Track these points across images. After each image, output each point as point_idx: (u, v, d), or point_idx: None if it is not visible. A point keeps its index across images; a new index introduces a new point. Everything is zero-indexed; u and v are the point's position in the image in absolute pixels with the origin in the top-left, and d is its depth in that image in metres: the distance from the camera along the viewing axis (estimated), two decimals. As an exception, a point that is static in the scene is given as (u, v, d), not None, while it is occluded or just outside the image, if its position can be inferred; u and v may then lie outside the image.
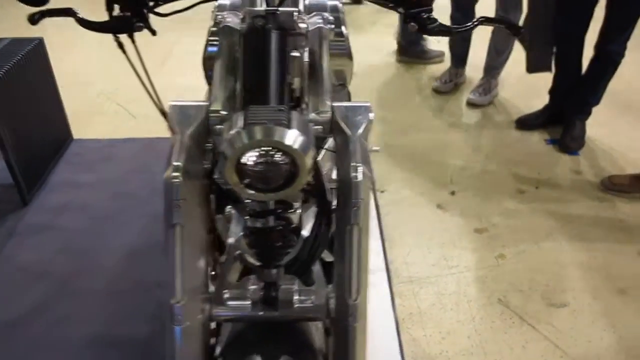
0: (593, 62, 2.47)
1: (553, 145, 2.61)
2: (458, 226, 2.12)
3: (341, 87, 1.10)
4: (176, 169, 0.72)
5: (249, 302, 0.83)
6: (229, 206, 0.88)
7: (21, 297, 1.80)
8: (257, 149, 0.66)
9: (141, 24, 0.82)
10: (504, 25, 0.94)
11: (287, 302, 0.83)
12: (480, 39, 2.87)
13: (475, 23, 0.90)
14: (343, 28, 1.03)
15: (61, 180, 2.36)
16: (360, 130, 0.78)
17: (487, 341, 1.67)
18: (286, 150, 0.66)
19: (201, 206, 0.80)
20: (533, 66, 2.51)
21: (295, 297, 0.83)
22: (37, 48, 2.26)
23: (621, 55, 2.37)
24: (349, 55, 1.05)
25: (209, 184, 0.83)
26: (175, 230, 0.72)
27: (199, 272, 0.80)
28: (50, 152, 2.43)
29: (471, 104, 2.92)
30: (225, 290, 0.84)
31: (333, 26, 0.93)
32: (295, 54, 0.80)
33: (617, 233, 2.09)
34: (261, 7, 0.76)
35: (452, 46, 3.04)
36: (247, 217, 0.81)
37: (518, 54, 3.21)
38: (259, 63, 0.72)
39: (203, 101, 0.80)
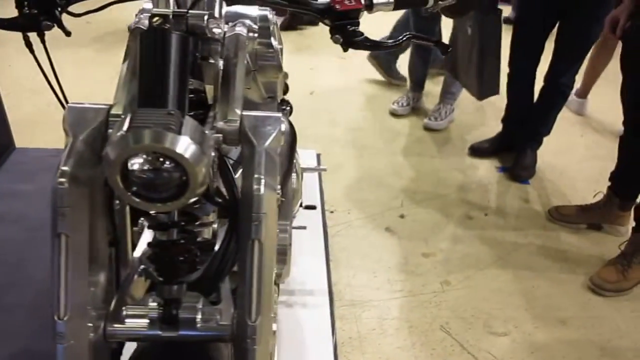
0: (543, 93, 2.52)
1: (504, 172, 2.63)
2: (405, 250, 2.10)
3: (271, 100, 1.07)
4: (62, 174, 0.67)
5: (147, 321, 0.78)
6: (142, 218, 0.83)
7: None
8: (142, 155, 0.62)
9: (49, 23, 0.78)
10: (432, 44, 0.92)
11: (188, 322, 0.78)
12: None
13: (403, 39, 0.89)
14: (272, 39, 1.00)
15: (0, 191, 2.25)
16: (268, 142, 0.75)
17: (425, 369, 1.64)
18: (173, 157, 0.62)
19: (98, 216, 0.75)
20: (483, 93, 2.54)
21: (199, 317, 0.78)
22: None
23: (570, 87, 2.44)
24: (279, 67, 1.02)
25: (110, 194, 0.78)
26: (60, 240, 0.68)
27: (90, 287, 0.75)
28: (-11, 160, 2.33)
29: (427, 129, 2.93)
30: (124, 307, 0.79)
31: (256, 35, 0.90)
32: (211, 60, 0.77)
33: (562, 263, 2.11)
34: (168, 8, 0.72)
35: (411, 70, 3.06)
36: (150, 230, 0.76)
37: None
38: (155, 65, 0.68)
39: (104, 104, 0.76)
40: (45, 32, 0.80)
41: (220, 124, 0.76)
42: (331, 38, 0.89)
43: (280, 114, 0.78)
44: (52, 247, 0.68)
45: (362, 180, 2.50)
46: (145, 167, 0.62)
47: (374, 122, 3.03)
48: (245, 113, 0.77)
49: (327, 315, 1.77)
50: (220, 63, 0.80)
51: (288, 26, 4.20)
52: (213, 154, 0.70)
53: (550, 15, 2.30)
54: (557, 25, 2.33)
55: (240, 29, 0.86)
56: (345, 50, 0.89)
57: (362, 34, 0.88)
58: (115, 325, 0.78)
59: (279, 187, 0.76)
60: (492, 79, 2.36)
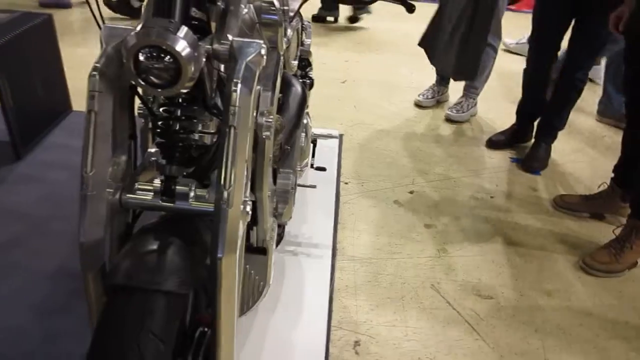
0: (557, 88, 2.63)
1: (516, 163, 2.76)
2: (409, 220, 2.27)
3: (272, 49, 1.27)
4: (94, 68, 0.90)
5: (151, 193, 1.00)
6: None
7: (1, 233, 1.98)
8: (148, 48, 0.84)
9: None
10: (399, 3, 1.11)
11: (182, 195, 1.00)
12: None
13: None
14: (274, 0, 1.21)
15: (55, 142, 2.57)
16: (249, 58, 0.95)
17: (411, 318, 1.80)
18: (169, 51, 0.83)
19: (121, 108, 0.98)
20: (460, 74, 2.65)
21: (191, 193, 1.00)
22: (45, 23, 2.49)
23: (584, 82, 2.54)
24: (278, 22, 1.22)
25: (131, 96, 1.01)
26: (90, 115, 0.91)
27: (113, 165, 0.98)
28: (49, 118, 2.65)
29: (448, 120, 3.09)
30: (136, 183, 1.02)
31: None
32: (218, 3, 0.99)
33: (558, 244, 2.22)
34: None
35: (437, 64, 3.22)
36: (159, 121, 0.99)
37: (501, 77, 3.40)
38: None
39: (131, 26, 0.98)
40: None
41: (215, 45, 0.98)
42: None
43: (261, 41, 0.99)
44: (85, 121, 0.91)
45: (378, 160, 2.68)
46: (150, 58, 0.85)
47: (398, 110, 3.21)
48: (235, 39, 0.99)
49: (328, 265, 1.96)
50: (222, 4, 1.02)
51: (317, 19, 4.50)
52: (204, 59, 0.91)
53: (567, 12, 2.42)
54: (573, 21, 2.45)
55: None
56: (326, 2, 1.08)
57: None
58: (128, 195, 1.00)
59: (254, 86, 0.94)
60: (471, 62, 2.45)
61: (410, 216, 2.30)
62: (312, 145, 2.20)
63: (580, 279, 2.05)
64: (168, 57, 0.84)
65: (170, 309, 0.89)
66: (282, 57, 1.35)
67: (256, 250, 1.46)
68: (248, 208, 1.00)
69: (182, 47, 0.84)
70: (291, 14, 1.78)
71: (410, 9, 1.13)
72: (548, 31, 2.53)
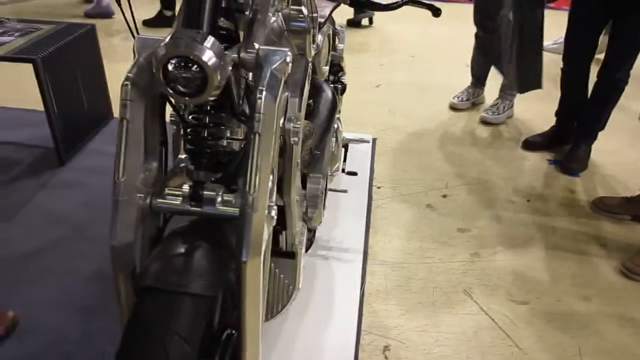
0: (597, 88, 2.56)
1: (555, 165, 2.70)
2: (442, 224, 2.25)
3: (300, 56, 1.29)
4: (127, 78, 0.94)
5: (180, 198, 1.04)
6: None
7: (42, 236, 2.08)
8: (176, 58, 0.87)
9: None
10: (426, 7, 1.12)
11: (210, 200, 1.03)
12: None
13: (400, 3, 1.09)
14: (303, 7, 1.23)
15: (96, 149, 2.67)
16: (274, 66, 0.97)
17: (442, 323, 1.79)
18: (196, 61, 0.86)
19: (153, 116, 1.02)
20: (524, 86, 2.60)
21: (219, 199, 1.03)
22: (88, 33, 2.59)
23: (624, 82, 2.47)
24: (307, 30, 1.24)
25: (162, 104, 1.05)
26: (122, 123, 0.95)
27: (145, 172, 1.01)
28: (91, 125, 2.75)
29: (484, 122, 3.04)
30: (166, 188, 1.05)
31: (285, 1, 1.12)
32: (246, 12, 1.02)
33: (596, 248, 2.16)
34: None
35: (472, 66, 3.18)
36: (189, 129, 1.03)
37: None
38: (194, 3, 0.93)
39: (162, 37, 1.02)
40: None
41: (242, 54, 1.00)
42: None
43: (287, 49, 1.01)
44: (117, 129, 0.95)
45: (411, 163, 2.67)
46: (178, 68, 0.88)
47: (432, 113, 3.18)
48: (261, 47, 1.01)
49: (358, 270, 1.97)
50: (250, 13, 1.05)
51: (353, 23, 4.51)
52: (230, 68, 0.94)
53: (605, 10, 2.36)
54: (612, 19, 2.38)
55: None
56: (350, 6, 1.10)
57: None
58: (158, 200, 1.04)
59: (280, 93, 0.96)
60: (532, 73, 2.41)
61: (443, 220, 2.28)
62: (343, 149, 2.21)
63: (620, 283, 1.99)
64: (195, 66, 0.87)
65: (196, 311, 0.92)
66: (310, 64, 1.37)
67: (285, 254, 1.48)
68: (273, 213, 1.02)
69: (208, 57, 0.87)
70: (322, 20, 1.81)
71: (436, 12, 1.14)
72: (584, 30, 2.47)
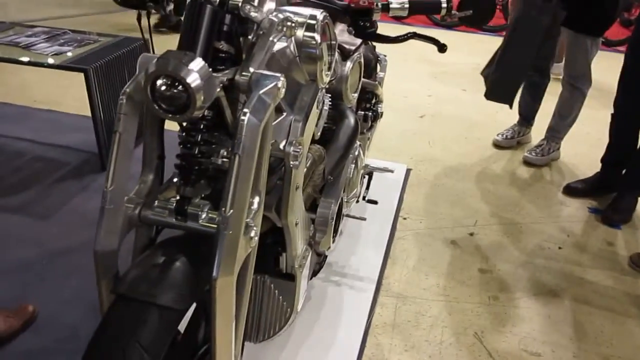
0: (649, 136, 2.44)
1: (595, 214, 2.57)
2: (464, 263, 2.19)
3: (311, 82, 1.31)
4: (123, 92, 0.99)
5: (167, 211, 1.07)
6: None
7: (75, 236, 2.18)
8: (163, 78, 0.91)
9: (151, 4, 1.13)
10: (432, 42, 1.11)
11: (194, 216, 1.06)
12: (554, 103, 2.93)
13: (406, 37, 1.09)
14: (316, 34, 1.25)
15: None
16: (263, 90, 0.99)
17: (446, 364, 1.74)
18: (180, 81, 0.90)
19: (152, 131, 1.07)
20: (494, 94, 2.52)
21: (203, 215, 1.06)
22: (139, 48, 2.73)
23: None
24: (318, 56, 1.25)
25: (161, 120, 1.09)
26: (115, 135, 1.00)
27: (141, 184, 1.06)
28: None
29: (526, 163, 2.95)
30: (156, 201, 1.09)
31: (294, 26, 1.14)
32: (249, 36, 1.06)
33: (630, 307, 2.04)
34: None
35: (521, 104, 3.10)
36: (181, 145, 1.06)
37: (593, 121, 3.20)
38: (190, 25, 0.97)
39: None
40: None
41: (237, 76, 1.03)
42: (347, 29, 1.12)
43: (280, 75, 1.03)
44: (112, 141, 1.00)
45: (443, 197, 2.62)
46: (164, 86, 0.92)
47: (474, 149, 3.12)
48: (256, 70, 1.04)
49: (369, 299, 1.95)
50: (254, 38, 1.08)
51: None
52: (219, 89, 0.97)
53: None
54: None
55: (275, 19, 1.12)
56: (355, 36, 1.11)
57: (373, 29, 1.10)
58: (147, 211, 1.08)
59: (266, 117, 0.98)
60: (507, 82, 2.32)
61: (466, 258, 2.22)
62: (367, 177, 2.21)
63: (648, 348, 1.86)
64: (180, 86, 0.91)
65: (161, 323, 0.94)
66: (322, 90, 1.38)
67: (284, 276, 1.48)
68: (253, 233, 1.03)
69: (193, 78, 0.90)
70: (352, 47, 1.83)
71: (442, 48, 1.13)
72: (638, 74, 2.36)
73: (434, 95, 3.88)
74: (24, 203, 2.39)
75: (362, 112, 2.10)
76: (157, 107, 0.94)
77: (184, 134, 1.08)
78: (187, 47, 0.97)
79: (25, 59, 2.44)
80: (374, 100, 2.27)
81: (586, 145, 2.98)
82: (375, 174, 2.31)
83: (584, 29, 2.53)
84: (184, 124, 1.08)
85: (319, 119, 1.44)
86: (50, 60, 2.43)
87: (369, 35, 1.11)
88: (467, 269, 2.16)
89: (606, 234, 2.45)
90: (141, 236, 1.14)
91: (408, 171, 2.80)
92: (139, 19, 1.19)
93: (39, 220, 2.28)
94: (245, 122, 0.95)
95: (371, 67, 2.28)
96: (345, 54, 1.79)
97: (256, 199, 1.08)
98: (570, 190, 2.70)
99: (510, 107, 2.48)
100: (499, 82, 2.39)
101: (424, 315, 1.92)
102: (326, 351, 1.72)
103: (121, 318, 0.94)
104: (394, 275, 2.09)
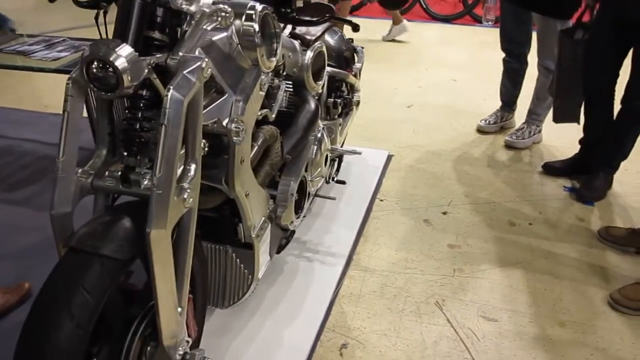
0: (619, 116, 2.51)
1: (570, 192, 2.65)
2: (434, 239, 2.30)
3: (254, 67, 1.45)
4: (69, 77, 1.16)
5: (115, 179, 1.23)
6: None
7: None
8: (95, 61, 1.07)
9: (104, 3, 1.29)
10: (347, 23, 1.24)
11: (136, 182, 1.22)
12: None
13: (324, 19, 1.23)
14: (254, 24, 1.38)
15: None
16: (187, 70, 1.14)
17: (405, 329, 1.85)
18: (107, 63, 1.06)
19: (101, 112, 1.24)
20: (559, 116, 2.61)
21: (145, 181, 1.21)
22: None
23: (647, 109, 2.40)
24: (257, 44, 1.39)
25: (110, 100, 1.26)
26: (64, 114, 1.16)
27: (95, 158, 1.24)
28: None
29: (508, 146, 3.04)
30: (106, 171, 1.26)
31: (229, 16, 1.27)
32: (185, 27, 1.21)
33: (591, 277, 2.11)
34: None
35: (501, 91, 3.19)
36: (124, 122, 1.23)
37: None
38: (123, 17, 1.13)
39: None
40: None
41: (169, 60, 1.19)
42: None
43: (204, 56, 1.18)
44: (61, 119, 1.17)
45: (421, 181, 2.73)
46: (97, 69, 1.08)
47: (457, 135, 3.22)
48: (184, 54, 1.19)
49: (338, 273, 2.07)
50: (187, 27, 1.24)
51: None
52: (147, 71, 1.13)
53: (623, 37, 2.33)
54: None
55: (207, 10, 1.27)
56: (278, 22, 1.25)
57: (293, 14, 1.24)
58: (99, 181, 1.25)
59: (191, 93, 1.13)
60: (569, 105, 2.43)
61: (437, 235, 2.33)
62: (337, 160, 2.34)
63: (604, 314, 1.94)
64: (110, 68, 1.07)
65: (104, 270, 1.10)
66: (267, 75, 1.51)
67: (243, 246, 1.63)
68: (186, 195, 1.18)
69: (120, 62, 1.06)
70: (312, 37, 1.97)
71: (355, 28, 1.26)
72: (604, 59, 2.43)
73: (424, 86, 3.98)
74: (29, 196, 2.59)
75: (332, 100, 2.23)
76: (92, 86, 1.10)
77: (127, 112, 1.24)
78: (120, 35, 1.13)
79: (25, 64, 2.64)
80: (346, 89, 2.40)
81: (568, 128, 3.03)
82: (356, 160, 2.45)
83: (551, 12, 2.61)
84: (127, 103, 1.24)
85: (274, 102, 1.60)
86: (49, 65, 2.63)
87: (289, 19, 1.25)
88: (437, 244, 2.27)
89: (579, 211, 2.52)
90: (98, 203, 1.30)
91: (389, 157, 2.91)
92: (96, 18, 1.35)
93: (43, 211, 2.46)
94: (169, 97, 1.11)
95: (344, 57, 2.41)
96: (306, 44, 1.93)
97: (192, 166, 1.22)
98: (548, 168, 2.78)
99: (578, 123, 2.60)
100: (562, 107, 2.54)
101: (389, 286, 2.04)
102: (292, 319, 1.86)
103: (69, 266, 1.10)
104: (365, 252, 2.22)
